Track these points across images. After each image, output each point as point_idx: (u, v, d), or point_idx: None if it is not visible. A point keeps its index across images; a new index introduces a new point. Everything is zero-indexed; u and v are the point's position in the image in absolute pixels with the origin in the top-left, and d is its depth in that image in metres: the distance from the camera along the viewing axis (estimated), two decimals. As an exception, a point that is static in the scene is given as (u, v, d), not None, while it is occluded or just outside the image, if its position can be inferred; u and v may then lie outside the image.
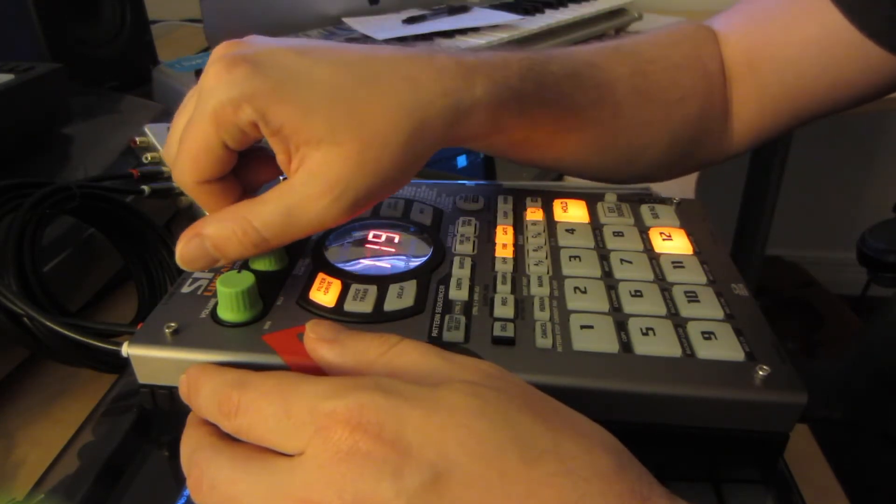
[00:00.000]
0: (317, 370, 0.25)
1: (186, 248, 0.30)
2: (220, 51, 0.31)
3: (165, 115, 0.61)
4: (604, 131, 0.41)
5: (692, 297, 0.33)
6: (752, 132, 0.47)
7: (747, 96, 0.45)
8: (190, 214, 0.48)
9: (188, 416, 0.26)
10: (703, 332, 0.30)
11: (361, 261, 0.36)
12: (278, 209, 0.29)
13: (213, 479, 0.23)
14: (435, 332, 0.30)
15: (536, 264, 0.35)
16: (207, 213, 0.31)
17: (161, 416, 0.30)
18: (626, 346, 0.30)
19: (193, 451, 0.24)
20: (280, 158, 0.30)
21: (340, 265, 0.35)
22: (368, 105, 0.29)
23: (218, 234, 0.29)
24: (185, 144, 0.29)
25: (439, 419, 0.20)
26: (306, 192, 0.29)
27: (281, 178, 0.41)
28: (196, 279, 0.33)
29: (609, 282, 0.34)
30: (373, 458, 0.19)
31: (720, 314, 0.32)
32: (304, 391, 0.22)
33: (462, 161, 0.68)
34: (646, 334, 0.30)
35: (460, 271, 0.34)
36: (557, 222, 0.39)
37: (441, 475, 0.19)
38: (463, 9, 0.96)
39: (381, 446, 0.19)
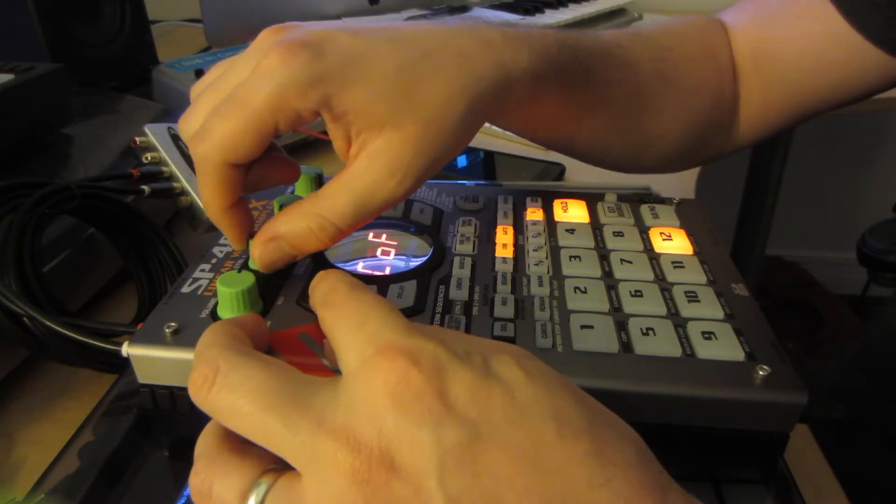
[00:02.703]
0: (318, 370, 0.25)
1: (265, 252, 0.30)
2: (270, 35, 0.30)
3: (165, 115, 0.61)
4: (627, 112, 0.42)
5: (692, 297, 0.33)
6: (756, 126, 0.47)
7: (752, 91, 0.46)
8: (190, 214, 0.47)
9: (214, 323, 0.24)
10: (703, 332, 0.30)
11: (361, 261, 0.36)
12: (350, 199, 0.29)
13: (232, 380, 0.20)
14: (435, 332, 0.30)
15: (536, 264, 0.35)
16: (205, 202, 0.30)
17: (161, 416, 0.30)
18: (626, 346, 0.30)
19: (211, 347, 0.22)
20: (338, 144, 0.30)
21: (340, 265, 0.35)
22: (426, 83, 0.29)
23: (294, 233, 0.30)
24: (227, 122, 0.28)
25: (488, 384, 0.20)
26: (372, 177, 0.29)
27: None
28: (196, 279, 0.33)
29: (609, 282, 0.34)
30: (419, 401, 0.19)
31: (720, 314, 0.32)
32: (378, 317, 0.21)
33: (462, 161, 0.68)
34: (646, 334, 0.30)
35: (460, 271, 0.34)
36: (557, 222, 0.39)
37: (480, 436, 0.19)
38: (463, 9, 0.96)
39: (430, 391, 0.19)
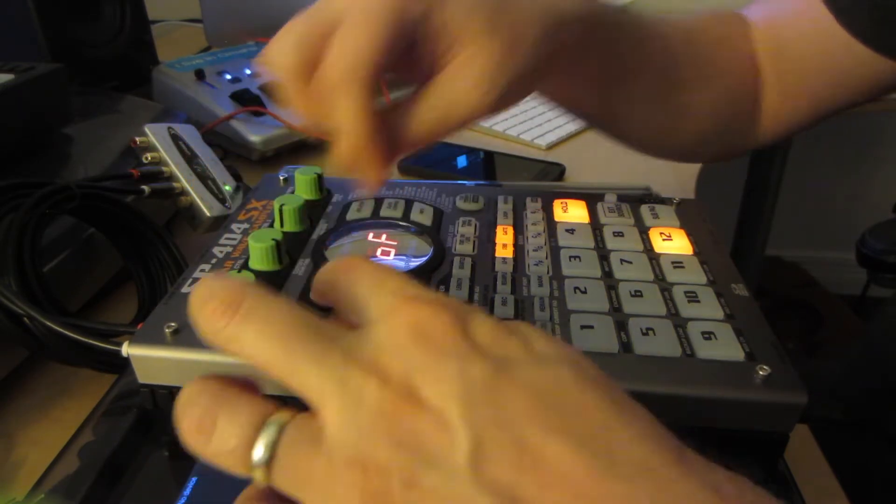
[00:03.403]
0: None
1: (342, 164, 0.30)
2: None
3: (165, 115, 0.61)
4: (657, 84, 0.42)
5: (692, 298, 0.33)
6: (776, 122, 0.47)
7: (771, 86, 0.46)
8: (190, 214, 0.48)
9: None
10: (703, 332, 0.30)
11: (361, 261, 0.36)
12: (435, 105, 0.30)
13: (258, 313, 0.20)
14: (435, 332, 0.30)
15: (536, 264, 0.35)
16: (354, 132, 0.28)
17: (161, 416, 0.30)
18: (626, 346, 0.30)
19: (232, 284, 0.20)
20: (427, 59, 0.30)
21: (340, 265, 0.35)
22: (514, 1, 0.31)
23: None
24: (362, 29, 0.28)
25: (508, 331, 0.20)
26: (458, 86, 0.30)
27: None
28: (196, 279, 0.33)
29: (609, 282, 0.34)
30: (444, 336, 0.19)
31: (720, 314, 0.32)
32: (398, 277, 0.22)
33: (462, 161, 0.68)
34: (646, 334, 0.30)
35: (460, 271, 0.34)
36: (557, 222, 0.39)
37: (504, 371, 0.19)
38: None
39: (456, 328, 0.20)
